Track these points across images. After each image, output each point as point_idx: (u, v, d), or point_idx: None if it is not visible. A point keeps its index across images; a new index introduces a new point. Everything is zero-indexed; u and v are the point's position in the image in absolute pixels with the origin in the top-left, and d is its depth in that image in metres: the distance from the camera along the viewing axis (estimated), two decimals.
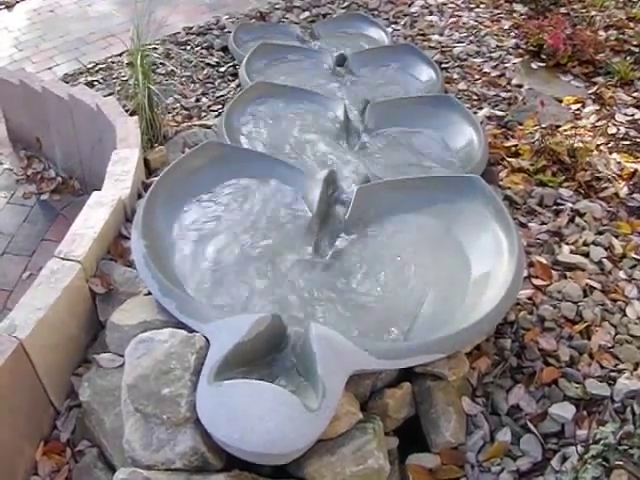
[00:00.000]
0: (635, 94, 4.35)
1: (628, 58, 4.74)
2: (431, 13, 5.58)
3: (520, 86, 4.44)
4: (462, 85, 4.47)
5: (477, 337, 2.42)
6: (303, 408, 1.86)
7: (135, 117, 3.55)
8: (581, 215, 3.22)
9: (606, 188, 3.43)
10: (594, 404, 2.34)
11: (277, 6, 5.72)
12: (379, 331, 2.38)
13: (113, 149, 3.22)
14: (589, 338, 2.59)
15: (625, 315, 2.71)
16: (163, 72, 4.59)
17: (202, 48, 5.07)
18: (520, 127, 3.94)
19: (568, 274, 2.89)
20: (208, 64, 4.86)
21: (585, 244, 3.04)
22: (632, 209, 3.32)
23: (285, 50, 4.70)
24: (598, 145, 3.78)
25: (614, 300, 2.78)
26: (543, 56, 4.75)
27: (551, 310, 2.69)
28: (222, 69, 4.79)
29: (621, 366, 2.48)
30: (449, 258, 2.66)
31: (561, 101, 4.29)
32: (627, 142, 3.85)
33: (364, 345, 2.13)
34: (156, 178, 2.92)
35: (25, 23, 5.80)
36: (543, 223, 3.19)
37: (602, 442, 1.96)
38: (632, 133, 3.93)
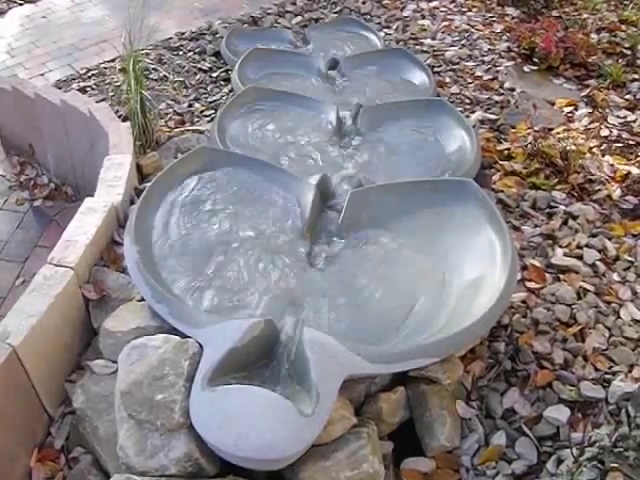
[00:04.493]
0: (627, 96, 4.36)
1: (620, 60, 4.75)
2: (423, 17, 5.58)
3: (512, 89, 4.45)
4: (454, 89, 4.47)
5: (471, 340, 2.42)
6: (297, 413, 1.86)
7: (128, 123, 3.55)
8: (574, 218, 3.22)
9: (599, 190, 3.44)
10: (589, 406, 2.34)
11: (269, 11, 5.71)
12: (373, 335, 2.38)
13: (106, 155, 3.21)
14: (583, 340, 2.60)
15: (619, 317, 2.72)
16: (156, 77, 4.58)
17: (194, 53, 5.07)
18: (513, 130, 3.95)
19: (562, 277, 2.89)
20: (200, 69, 4.85)
21: (578, 247, 3.04)
22: (625, 211, 3.32)
23: (277, 55, 4.70)
24: (591, 147, 3.79)
25: (608, 302, 2.78)
26: (535, 59, 4.76)
27: (545, 313, 2.70)
28: (214, 74, 4.79)
29: (615, 368, 2.48)
30: (442, 262, 2.65)
31: (553, 104, 4.29)
32: (620, 144, 3.86)
33: (358, 349, 2.13)
34: (149, 184, 2.92)
35: (18, 29, 5.78)
36: (536, 226, 3.19)
37: (597, 444, 1.96)
38: (624, 135, 3.94)
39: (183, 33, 5.37)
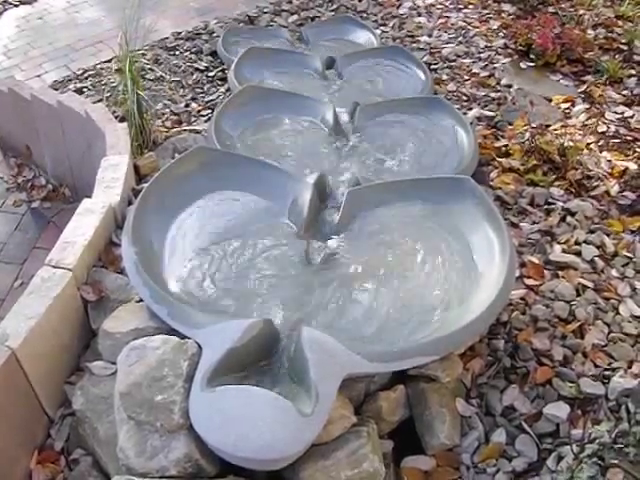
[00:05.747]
0: (624, 92, 4.36)
1: (617, 56, 4.75)
2: (419, 14, 5.58)
3: (509, 86, 4.45)
4: (451, 86, 4.48)
5: (470, 338, 2.42)
6: (297, 413, 1.85)
7: (124, 123, 3.54)
8: (572, 214, 3.22)
9: (597, 186, 3.44)
10: (589, 403, 2.34)
11: (265, 10, 5.71)
12: (372, 334, 2.37)
13: (103, 156, 3.20)
14: (582, 337, 2.60)
15: (618, 313, 2.72)
16: (152, 78, 4.57)
17: (191, 53, 5.07)
18: (510, 127, 3.95)
19: (560, 273, 2.89)
20: (197, 69, 4.85)
21: (577, 243, 3.04)
22: (623, 207, 3.32)
23: (274, 54, 4.69)
24: (588, 144, 3.78)
25: (607, 298, 2.78)
26: (532, 56, 4.76)
27: (544, 310, 2.70)
28: (211, 74, 4.79)
29: (615, 364, 2.49)
30: (440, 260, 2.65)
31: (551, 100, 4.29)
32: (617, 140, 3.86)
33: (357, 348, 2.12)
34: (146, 184, 2.91)
35: (14, 31, 5.78)
36: (534, 223, 3.20)
37: (597, 441, 1.96)
38: (622, 131, 3.94)
39: (179, 33, 5.37)
